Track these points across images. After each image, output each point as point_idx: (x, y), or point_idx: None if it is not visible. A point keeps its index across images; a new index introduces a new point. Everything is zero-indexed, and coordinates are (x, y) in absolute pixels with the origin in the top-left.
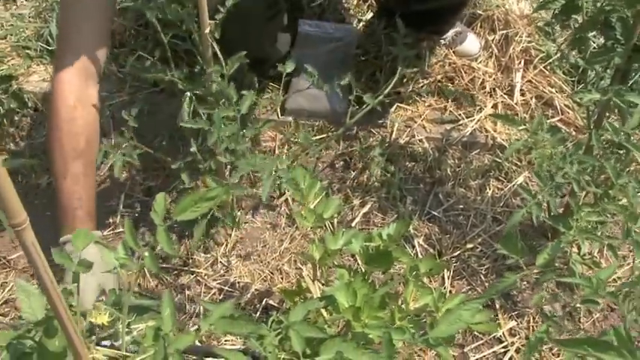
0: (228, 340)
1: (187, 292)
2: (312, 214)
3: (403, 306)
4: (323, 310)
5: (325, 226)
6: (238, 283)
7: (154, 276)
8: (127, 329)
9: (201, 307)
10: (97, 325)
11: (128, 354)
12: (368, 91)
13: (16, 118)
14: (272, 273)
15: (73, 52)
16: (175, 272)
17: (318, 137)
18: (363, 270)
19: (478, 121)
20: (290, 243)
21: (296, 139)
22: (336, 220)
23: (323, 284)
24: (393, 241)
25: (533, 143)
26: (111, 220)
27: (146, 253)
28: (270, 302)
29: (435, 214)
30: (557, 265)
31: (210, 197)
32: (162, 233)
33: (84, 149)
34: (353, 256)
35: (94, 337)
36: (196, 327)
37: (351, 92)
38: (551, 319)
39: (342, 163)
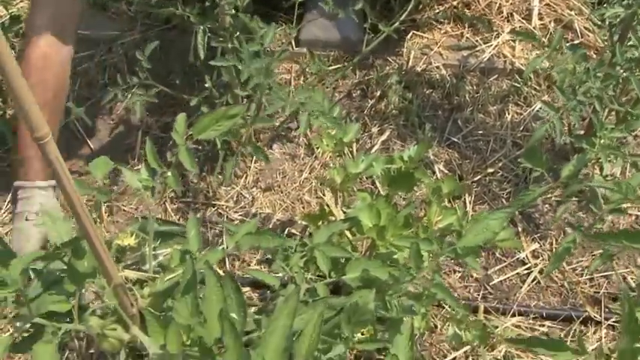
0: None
1: (209, 225)
2: (332, 138)
3: (427, 226)
4: (347, 232)
5: (344, 153)
6: (260, 214)
7: (175, 210)
8: (152, 253)
9: (225, 239)
10: (123, 249)
11: (156, 275)
12: (383, 19)
13: None
14: (293, 203)
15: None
16: (197, 206)
17: (333, 67)
18: (385, 193)
19: (496, 46)
20: (310, 173)
21: (311, 70)
22: (355, 148)
23: (344, 210)
24: (414, 163)
25: (553, 61)
26: (130, 159)
27: (169, 173)
28: (293, 231)
29: (455, 140)
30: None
31: (232, 115)
32: (184, 152)
33: (50, 99)
34: (373, 183)
35: (121, 263)
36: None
37: (365, 20)
38: (578, 229)
39: (359, 92)
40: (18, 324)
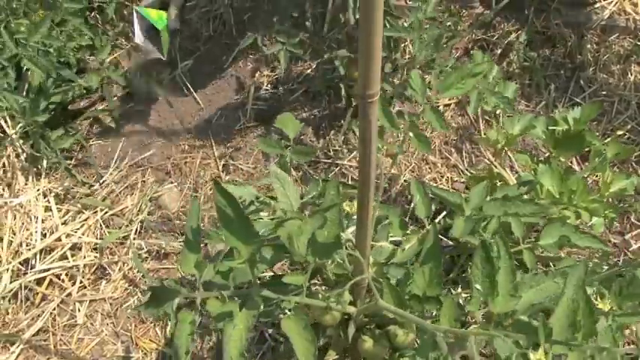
0: None
1: None
2: (503, 134)
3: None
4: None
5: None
6: (385, 174)
7: (296, 169)
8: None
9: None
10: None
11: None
12: None
13: (125, 12)
14: (418, 163)
15: None
16: (319, 165)
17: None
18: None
19: (616, 3)
20: (431, 132)
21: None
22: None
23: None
24: (581, 125)
25: None
26: (241, 116)
27: None
28: None
29: (578, 100)
30: None
31: (477, 73)
32: (430, 111)
33: None
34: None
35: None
36: None
37: None
38: None
39: (478, 50)
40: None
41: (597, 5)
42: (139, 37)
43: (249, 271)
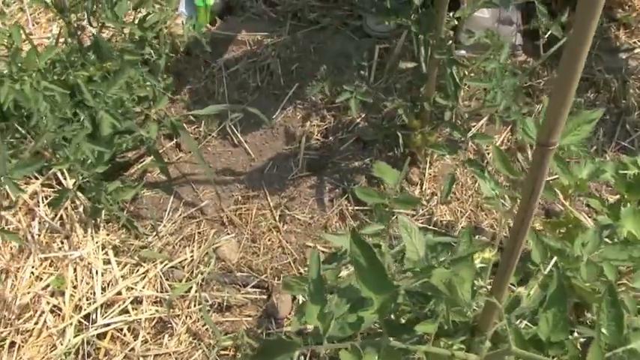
0: None
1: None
2: (572, 177)
3: None
4: None
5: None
6: (441, 222)
7: (353, 217)
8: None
9: None
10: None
11: None
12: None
13: (169, 63)
14: (473, 210)
15: None
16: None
17: None
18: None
19: None
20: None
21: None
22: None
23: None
24: None
25: None
26: (293, 167)
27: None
28: (483, 238)
29: (626, 144)
30: None
31: (592, 119)
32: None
33: None
34: None
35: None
36: None
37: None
38: None
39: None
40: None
41: (637, 51)
42: (182, 7)
43: (381, 321)
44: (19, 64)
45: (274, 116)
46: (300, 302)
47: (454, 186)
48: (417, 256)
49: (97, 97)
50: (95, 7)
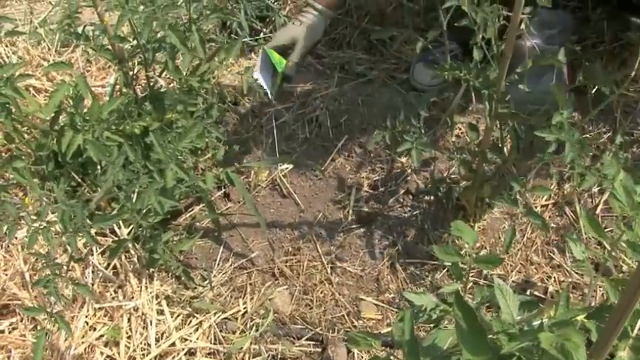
0: None
1: (442, 284)
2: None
3: None
4: None
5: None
6: (491, 275)
7: (404, 268)
8: None
9: None
10: None
11: None
12: (589, 79)
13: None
14: (523, 264)
15: None
16: (426, 267)
17: None
18: None
19: None
20: (532, 233)
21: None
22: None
23: None
24: None
25: None
26: (343, 219)
27: None
28: (535, 293)
29: None
30: None
31: None
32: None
33: None
34: None
35: None
36: None
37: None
38: None
39: None
40: None
41: None
42: (257, 73)
43: None
44: (83, 115)
45: (323, 168)
46: (357, 356)
47: (500, 240)
48: (512, 318)
49: (166, 150)
50: (153, 58)
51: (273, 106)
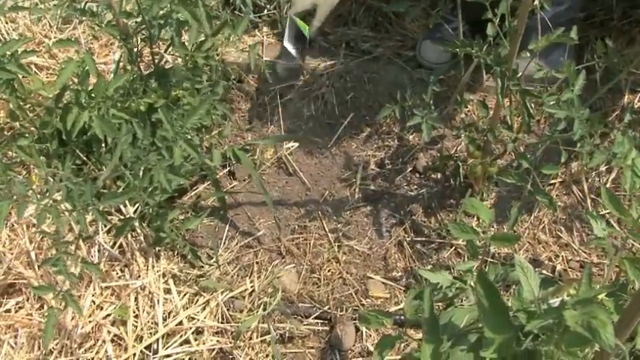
0: None
1: (449, 263)
2: None
3: None
4: None
5: None
6: (499, 253)
7: (411, 246)
8: None
9: None
10: None
11: None
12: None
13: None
14: (531, 242)
15: None
16: (432, 244)
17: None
18: None
19: None
20: (539, 212)
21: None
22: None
23: None
24: None
25: None
26: (350, 197)
27: None
28: (544, 272)
29: None
30: None
31: None
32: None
33: None
34: None
35: None
36: None
37: (580, 61)
38: None
39: None
40: None
41: None
42: (287, 40)
43: None
44: (89, 93)
45: (329, 145)
46: (365, 334)
47: (508, 218)
48: (533, 296)
49: (174, 127)
50: (159, 34)
51: (278, 84)
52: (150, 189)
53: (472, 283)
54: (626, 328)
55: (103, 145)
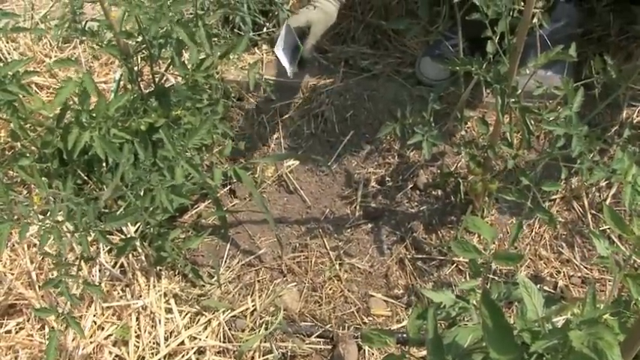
0: None
1: (450, 280)
2: None
3: None
4: None
5: None
6: (501, 270)
7: (411, 264)
8: None
9: None
10: None
11: None
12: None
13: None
14: (532, 259)
15: None
16: (433, 262)
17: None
18: None
19: None
20: (540, 228)
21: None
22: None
23: None
24: None
25: None
26: (350, 215)
27: None
28: (545, 288)
29: None
30: None
31: None
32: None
33: None
34: None
35: None
36: None
37: (578, 76)
38: None
39: None
40: None
41: None
42: (278, 47)
43: None
44: (90, 112)
45: (329, 163)
46: (368, 352)
47: (508, 235)
48: (537, 315)
49: (176, 147)
50: (159, 54)
51: (278, 102)
52: (151, 209)
53: (475, 302)
54: (631, 349)
55: (104, 164)
